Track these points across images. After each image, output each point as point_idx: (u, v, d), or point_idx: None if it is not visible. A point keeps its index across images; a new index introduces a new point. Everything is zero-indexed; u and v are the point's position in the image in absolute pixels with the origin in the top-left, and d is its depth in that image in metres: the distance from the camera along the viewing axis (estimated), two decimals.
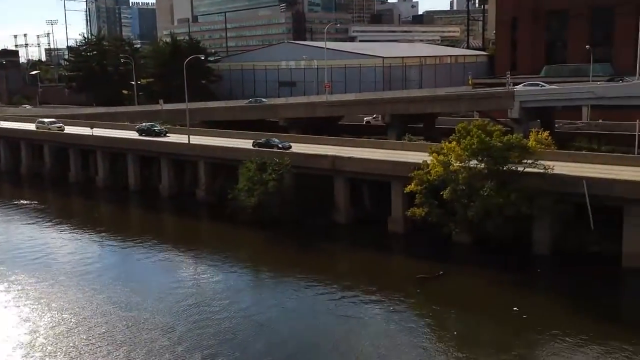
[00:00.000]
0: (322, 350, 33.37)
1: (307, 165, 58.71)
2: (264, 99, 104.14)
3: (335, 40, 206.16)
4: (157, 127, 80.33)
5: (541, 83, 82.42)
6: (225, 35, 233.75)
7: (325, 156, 58.36)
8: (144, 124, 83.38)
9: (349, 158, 57.01)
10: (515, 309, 37.15)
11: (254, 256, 51.09)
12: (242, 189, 57.52)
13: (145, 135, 78.11)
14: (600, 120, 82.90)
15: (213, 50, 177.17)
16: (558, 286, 41.98)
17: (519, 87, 79.27)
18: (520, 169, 46.43)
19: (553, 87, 78.33)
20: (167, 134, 78.47)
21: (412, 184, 48.98)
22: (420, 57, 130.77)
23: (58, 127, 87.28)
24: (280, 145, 64.43)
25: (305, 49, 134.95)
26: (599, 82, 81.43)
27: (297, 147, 64.51)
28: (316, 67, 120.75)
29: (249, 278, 46.19)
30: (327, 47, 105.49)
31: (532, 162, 46.06)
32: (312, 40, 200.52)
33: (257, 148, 64.42)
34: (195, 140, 69.57)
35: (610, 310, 38.37)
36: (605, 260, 43.84)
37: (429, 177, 48.14)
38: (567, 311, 37.33)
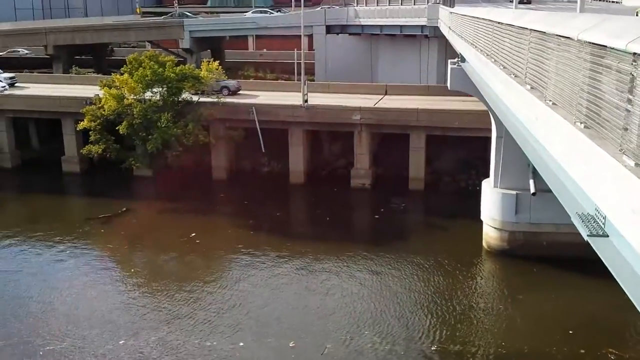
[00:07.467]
0: None
1: None
2: None
3: None
4: None
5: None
6: None
7: None
8: None
9: (8, 95, 51.51)
10: (193, 234, 38.40)
11: None
12: None
13: None
14: (264, 50, 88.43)
15: None
16: (234, 208, 44.30)
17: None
18: (195, 99, 47.40)
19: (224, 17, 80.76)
20: None
21: (85, 120, 46.51)
22: None
23: None
24: None
25: None
26: (260, 13, 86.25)
27: None
28: None
29: None
30: None
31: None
32: None
33: None
34: None
35: (279, 221, 42.30)
36: (275, 177, 48.35)
37: (103, 113, 46.18)
38: (231, 229, 39.75)
